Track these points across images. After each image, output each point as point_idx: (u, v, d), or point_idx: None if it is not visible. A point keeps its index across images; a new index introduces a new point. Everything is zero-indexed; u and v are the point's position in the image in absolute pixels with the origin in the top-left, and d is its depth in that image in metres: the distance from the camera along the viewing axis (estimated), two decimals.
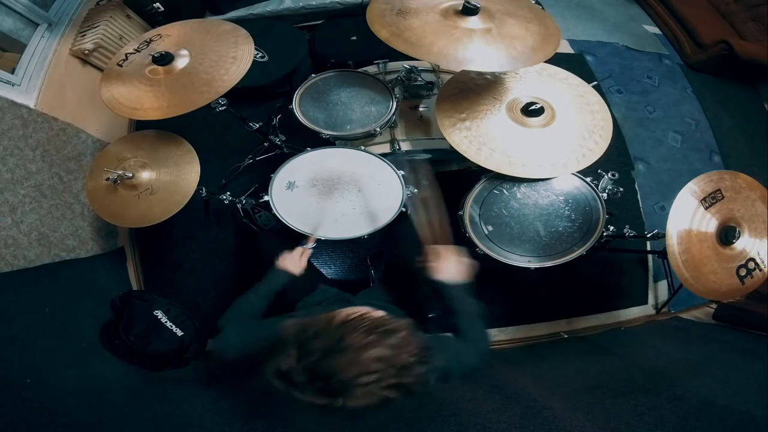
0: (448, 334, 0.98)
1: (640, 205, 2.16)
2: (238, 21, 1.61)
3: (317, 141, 1.57)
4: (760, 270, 1.31)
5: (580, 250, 1.35)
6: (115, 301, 1.75)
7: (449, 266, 1.04)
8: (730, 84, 2.67)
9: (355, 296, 1.31)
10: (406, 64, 1.68)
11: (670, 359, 1.49)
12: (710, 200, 1.31)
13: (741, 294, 1.32)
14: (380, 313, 0.76)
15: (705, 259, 1.27)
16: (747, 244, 1.31)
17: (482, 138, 1.39)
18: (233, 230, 2.09)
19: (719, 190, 1.32)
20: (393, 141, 1.61)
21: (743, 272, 1.30)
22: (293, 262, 1.16)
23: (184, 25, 1.56)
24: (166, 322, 1.70)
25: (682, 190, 1.30)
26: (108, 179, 1.44)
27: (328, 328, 0.71)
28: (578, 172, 1.40)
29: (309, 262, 1.62)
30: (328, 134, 1.54)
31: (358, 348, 0.67)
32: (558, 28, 1.34)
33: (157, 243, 2.12)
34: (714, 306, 1.85)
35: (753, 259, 1.31)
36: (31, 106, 1.76)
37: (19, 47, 1.91)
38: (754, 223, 1.33)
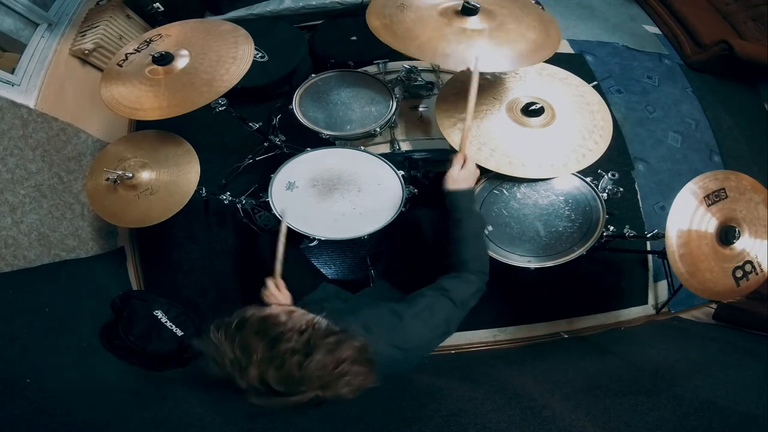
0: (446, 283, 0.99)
1: (640, 205, 2.16)
2: (238, 21, 1.61)
3: (317, 141, 1.57)
4: (756, 273, 1.30)
5: (580, 250, 1.34)
6: (115, 301, 1.75)
7: (467, 175, 1.12)
8: (730, 84, 2.67)
9: (355, 295, 1.31)
10: (406, 64, 1.68)
11: (670, 359, 1.49)
12: (713, 198, 1.30)
13: (735, 296, 1.32)
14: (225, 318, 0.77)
15: (702, 255, 1.27)
16: (746, 245, 1.31)
17: (482, 138, 1.39)
18: (233, 230, 2.10)
19: (724, 189, 1.31)
20: (393, 141, 1.61)
21: (739, 274, 1.30)
22: (277, 296, 1.13)
23: (184, 25, 1.56)
24: (166, 322, 1.70)
25: (687, 184, 1.30)
26: (108, 179, 1.44)
27: (216, 351, 0.71)
28: (578, 172, 1.40)
29: (309, 261, 1.62)
30: (328, 134, 1.54)
31: (242, 354, 0.69)
32: (558, 28, 1.34)
33: (157, 243, 2.12)
34: (714, 306, 1.85)
35: (750, 262, 1.30)
36: (31, 106, 1.76)
37: (19, 47, 1.91)
38: (754, 225, 1.32)
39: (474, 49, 1.24)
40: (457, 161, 1.13)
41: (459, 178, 1.11)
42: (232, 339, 0.70)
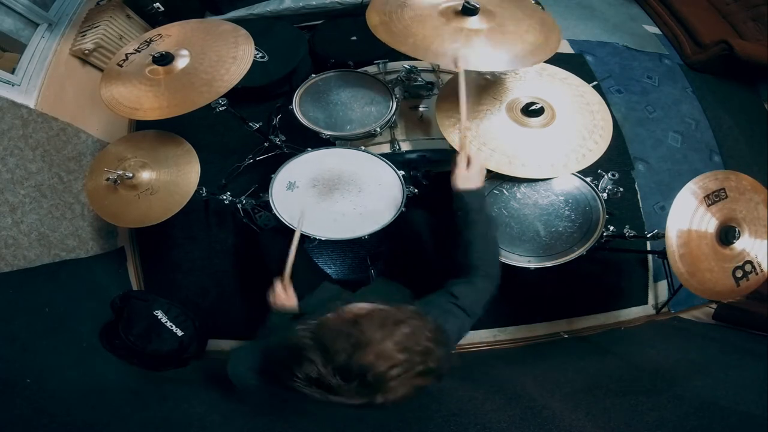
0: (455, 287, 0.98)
1: (640, 205, 2.16)
2: (238, 21, 1.61)
3: (317, 141, 1.57)
4: (757, 273, 1.30)
5: (580, 250, 1.35)
6: (115, 301, 1.75)
7: (475, 173, 1.08)
8: (730, 84, 2.67)
9: (355, 293, 1.31)
10: (406, 64, 1.68)
11: (670, 359, 1.49)
12: (713, 198, 1.30)
13: (735, 296, 1.32)
14: (383, 305, 0.76)
15: (702, 255, 1.28)
16: (746, 245, 1.31)
17: (482, 138, 1.39)
18: (233, 230, 2.10)
19: (724, 189, 1.31)
20: (393, 141, 1.61)
21: (739, 274, 1.30)
22: (283, 299, 1.13)
23: (184, 25, 1.56)
24: (166, 322, 1.70)
25: (687, 184, 1.30)
26: (108, 179, 1.44)
27: (343, 326, 0.71)
28: (578, 172, 1.40)
29: (312, 259, 1.62)
30: (328, 134, 1.54)
31: (379, 341, 0.68)
32: (559, 33, 1.34)
33: (157, 243, 2.12)
34: (714, 306, 1.85)
35: (750, 262, 1.30)
36: (31, 106, 1.76)
37: (19, 47, 1.91)
38: (755, 225, 1.32)
39: (458, 48, 1.24)
40: (462, 160, 1.09)
41: (468, 176, 1.07)
42: (383, 326, 0.70)
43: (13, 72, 1.81)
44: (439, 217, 1.49)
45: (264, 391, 0.98)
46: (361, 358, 0.67)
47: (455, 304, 0.94)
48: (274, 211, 1.38)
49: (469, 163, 1.09)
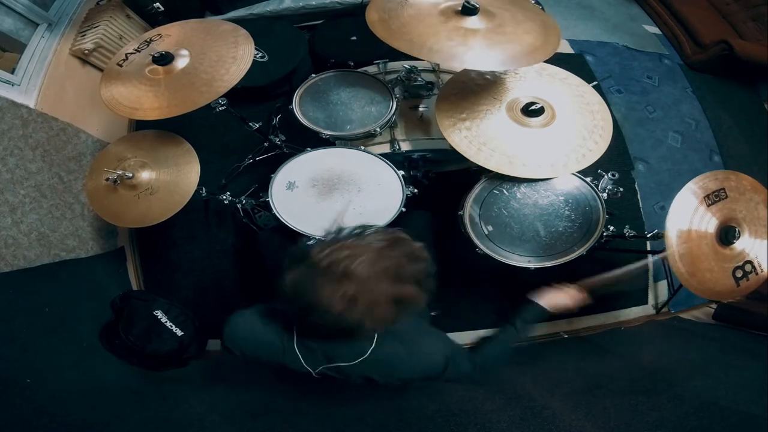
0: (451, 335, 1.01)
1: (640, 205, 2.16)
2: (238, 21, 1.61)
3: (317, 141, 1.57)
4: (757, 273, 1.30)
5: (580, 250, 1.35)
6: (115, 301, 1.75)
7: (559, 299, 1.18)
8: (730, 84, 2.67)
9: None
10: (406, 64, 1.68)
11: (670, 359, 1.49)
12: (713, 198, 1.30)
13: (734, 296, 1.32)
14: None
15: (702, 255, 1.28)
16: (746, 246, 1.31)
17: (482, 138, 1.39)
18: (233, 230, 2.09)
19: (724, 189, 1.31)
20: (393, 141, 1.61)
21: (739, 274, 1.29)
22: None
23: (184, 25, 1.56)
24: (166, 322, 1.70)
25: (687, 184, 1.30)
26: (108, 179, 1.44)
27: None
28: (578, 172, 1.40)
29: None
30: (328, 134, 1.54)
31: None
32: (558, 35, 1.34)
33: (157, 243, 2.12)
34: (714, 306, 1.85)
35: (750, 262, 1.30)
36: (31, 106, 1.76)
37: (19, 47, 1.91)
38: (755, 225, 1.32)
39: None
40: (569, 294, 1.20)
41: (556, 300, 1.17)
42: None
43: (13, 72, 1.81)
44: (439, 217, 1.50)
45: (257, 359, 0.97)
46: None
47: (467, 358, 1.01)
48: (274, 211, 1.38)
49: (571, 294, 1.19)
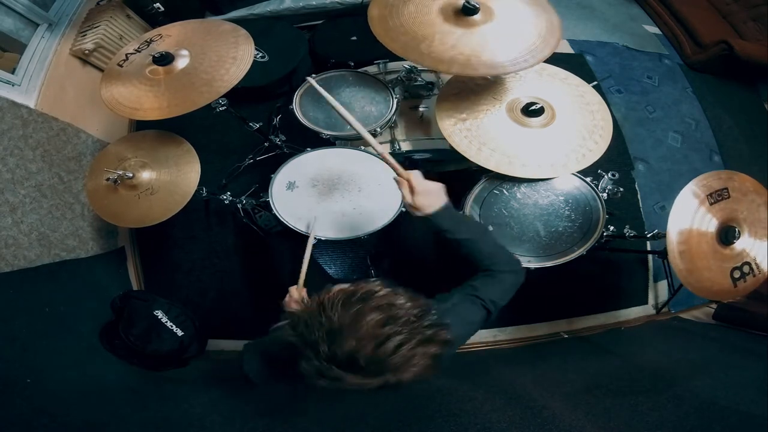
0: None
1: (640, 205, 2.16)
2: (238, 21, 1.61)
3: (317, 141, 1.57)
4: (755, 275, 1.31)
5: (580, 250, 1.35)
6: (115, 301, 1.75)
7: (428, 192, 0.94)
8: (730, 84, 2.67)
9: None
10: (406, 64, 1.68)
11: (670, 359, 1.49)
12: (716, 197, 1.30)
13: (731, 296, 1.32)
14: (344, 285, 0.76)
15: (702, 254, 1.28)
16: (746, 246, 1.31)
17: (482, 138, 1.39)
18: (233, 230, 2.10)
19: (726, 188, 1.32)
20: (393, 141, 1.61)
21: (737, 274, 1.30)
22: (299, 304, 1.13)
23: (185, 25, 1.56)
24: (166, 322, 1.70)
25: (690, 182, 1.30)
26: (108, 179, 1.44)
27: (313, 316, 0.70)
28: (578, 172, 1.40)
29: (316, 261, 1.62)
30: (328, 134, 1.54)
31: (350, 324, 0.66)
32: (559, 27, 1.34)
33: (157, 243, 2.12)
34: (714, 306, 1.85)
35: (749, 263, 1.30)
36: (31, 106, 1.76)
37: (19, 47, 1.91)
38: (755, 227, 1.32)
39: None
40: (402, 186, 0.95)
41: (423, 200, 0.93)
42: (348, 306, 0.68)
43: (13, 72, 1.81)
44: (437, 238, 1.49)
45: (278, 386, 0.97)
46: (342, 346, 0.66)
47: (475, 295, 0.91)
48: (274, 211, 1.38)
49: (412, 185, 0.93)
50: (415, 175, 0.94)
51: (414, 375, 0.68)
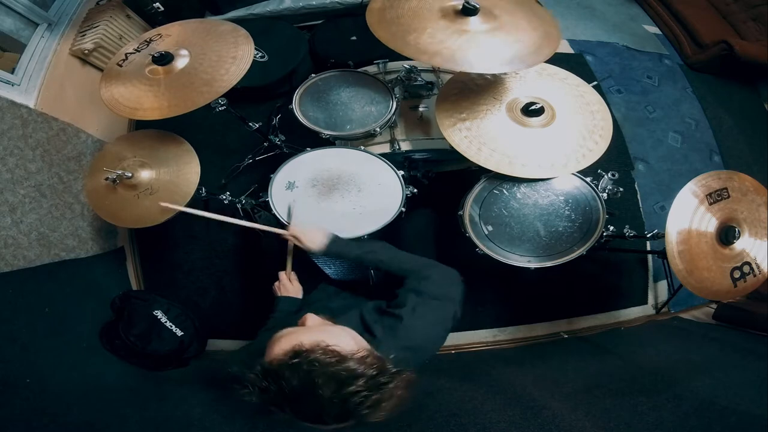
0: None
1: (640, 205, 2.16)
2: (238, 21, 1.61)
3: (317, 141, 1.57)
4: (755, 275, 1.30)
5: (580, 250, 1.34)
6: (115, 301, 1.75)
7: (311, 235, 1.12)
8: (730, 84, 2.67)
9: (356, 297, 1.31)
10: (406, 64, 1.67)
11: (670, 359, 1.49)
12: (715, 197, 1.30)
13: (731, 296, 1.32)
14: (310, 339, 0.73)
15: (701, 254, 1.28)
16: (746, 246, 1.31)
17: (482, 138, 1.38)
18: (233, 230, 2.09)
19: (726, 188, 1.32)
20: (393, 141, 1.61)
21: (737, 274, 1.30)
22: (288, 288, 1.20)
23: (184, 25, 1.56)
24: (165, 322, 1.70)
25: (690, 182, 1.30)
26: (108, 179, 1.44)
27: (270, 378, 0.69)
28: (578, 172, 1.40)
29: (310, 260, 1.62)
30: (328, 134, 1.54)
31: (308, 391, 0.67)
32: (557, 27, 1.34)
33: (157, 243, 2.12)
34: (714, 306, 1.85)
35: (749, 263, 1.30)
36: (31, 106, 1.76)
37: (19, 47, 1.91)
38: (755, 227, 1.32)
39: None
40: (291, 241, 1.16)
41: (310, 241, 1.12)
42: (295, 373, 0.68)
43: (12, 72, 1.81)
44: (440, 217, 1.50)
45: None
46: (308, 407, 0.67)
47: (425, 296, 0.93)
48: (274, 211, 1.38)
49: (297, 237, 1.13)
50: (293, 227, 1.15)
51: (383, 416, 0.70)
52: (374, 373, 0.70)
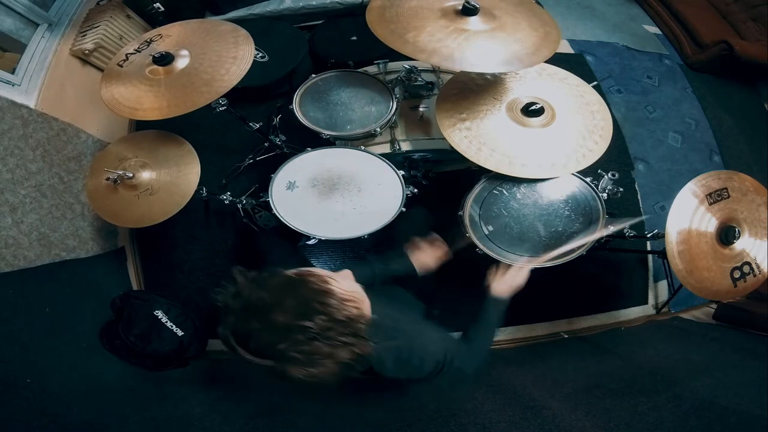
0: (454, 333, 1.00)
1: (640, 205, 2.16)
2: (238, 21, 1.61)
3: (317, 141, 1.57)
4: (755, 275, 1.30)
5: (580, 250, 1.34)
6: (115, 301, 1.75)
7: (509, 283, 1.19)
8: (730, 84, 2.67)
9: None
10: (406, 64, 1.67)
11: (670, 359, 1.49)
12: (715, 197, 1.30)
13: (732, 296, 1.32)
14: (303, 270, 0.74)
15: (701, 254, 1.28)
16: (746, 246, 1.31)
17: (482, 138, 1.38)
18: (233, 230, 2.09)
19: (726, 188, 1.32)
20: (393, 141, 1.61)
21: (737, 274, 1.30)
22: (430, 255, 1.29)
23: (184, 25, 1.56)
24: (166, 322, 1.70)
25: (689, 182, 1.30)
26: (108, 179, 1.44)
27: (243, 287, 0.70)
28: (578, 172, 1.40)
29: (308, 261, 1.62)
30: (328, 134, 1.54)
31: (264, 307, 0.66)
32: (558, 28, 1.34)
33: (157, 243, 2.12)
34: (714, 306, 1.85)
35: (749, 263, 1.30)
36: (32, 106, 1.76)
37: (19, 47, 1.91)
38: (755, 227, 1.32)
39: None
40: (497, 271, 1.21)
41: (501, 286, 1.19)
42: (276, 289, 0.68)
43: (13, 72, 1.81)
44: (440, 217, 1.50)
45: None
46: (247, 324, 0.67)
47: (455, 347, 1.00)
48: (274, 211, 1.38)
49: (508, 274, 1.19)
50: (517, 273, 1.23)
51: (309, 375, 0.67)
52: (340, 319, 0.68)
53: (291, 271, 0.73)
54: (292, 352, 0.65)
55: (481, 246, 1.36)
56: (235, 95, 1.48)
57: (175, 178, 1.47)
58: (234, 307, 0.69)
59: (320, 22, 2.51)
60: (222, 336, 0.69)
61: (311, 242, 1.35)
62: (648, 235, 1.50)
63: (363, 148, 1.53)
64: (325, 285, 0.71)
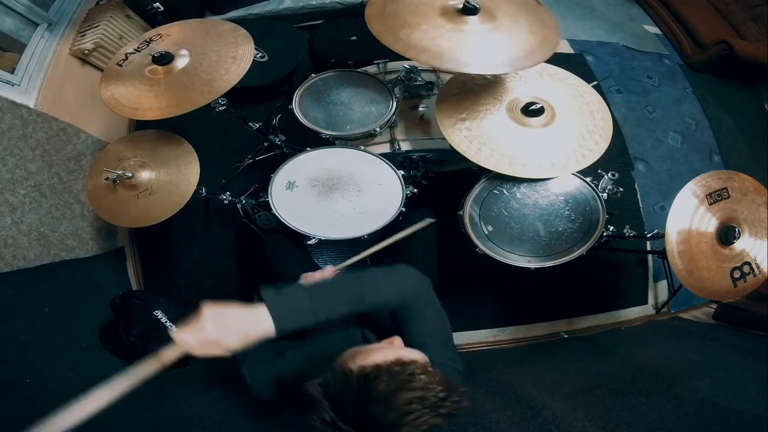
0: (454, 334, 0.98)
1: (640, 205, 2.16)
2: (238, 21, 1.61)
3: (317, 141, 1.57)
4: (755, 275, 1.30)
5: (580, 250, 1.35)
6: (115, 301, 1.75)
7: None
8: (730, 84, 2.67)
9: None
10: (406, 64, 1.68)
11: (670, 359, 1.49)
12: (715, 197, 1.30)
13: (732, 296, 1.32)
14: (392, 354, 0.74)
15: (701, 253, 1.28)
16: (746, 246, 1.31)
17: (482, 138, 1.39)
18: (233, 230, 2.09)
19: (726, 188, 1.32)
20: (393, 141, 1.61)
21: (737, 274, 1.30)
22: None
23: (184, 25, 1.56)
24: (166, 322, 1.70)
25: (689, 182, 1.30)
26: (108, 179, 1.44)
27: (349, 382, 0.70)
28: (578, 172, 1.40)
29: (312, 260, 1.62)
30: (328, 134, 1.54)
31: (386, 397, 0.67)
32: (557, 28, 1.34)
33: (157, 243, 2.12)
34: (714, 306, 1.85)
35: (749, 263, 1.30)
36: (31, 106, 1.75)
37: (19, 47, 1.91)
38: (755, 227, 1.32)
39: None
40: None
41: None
42: (389, 384, 0.68)
43: (12, 72, 1.81)
44: (440, 217, 1.49)
45: (279, 406, 0.97)
46: (369, 411, 0.67)
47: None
48: (274, 211, 1.38)
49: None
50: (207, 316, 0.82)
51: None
52: (444, 396, 0.70)
53: (389, 360, 0.72)
54: (406, 429, 0.67)
55: (481, 246, 1.36)
56: (234, 95, 1.48)
57: (174, 178, 1.47)
58: (344, 399, 0.69)
59: (320, 21, 2.51)
60: (329, 421, 0.69)
61: (311, 242, 1.35)
62: (648, 235, 1.51)
63: (363, 148, 1.53)
64: (430, 373, 0.72)
